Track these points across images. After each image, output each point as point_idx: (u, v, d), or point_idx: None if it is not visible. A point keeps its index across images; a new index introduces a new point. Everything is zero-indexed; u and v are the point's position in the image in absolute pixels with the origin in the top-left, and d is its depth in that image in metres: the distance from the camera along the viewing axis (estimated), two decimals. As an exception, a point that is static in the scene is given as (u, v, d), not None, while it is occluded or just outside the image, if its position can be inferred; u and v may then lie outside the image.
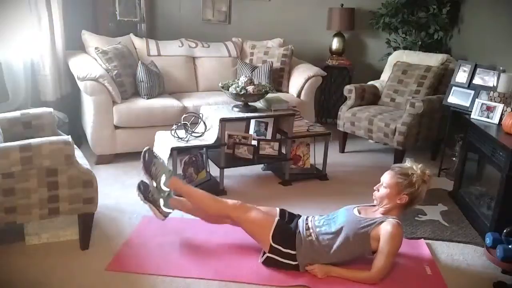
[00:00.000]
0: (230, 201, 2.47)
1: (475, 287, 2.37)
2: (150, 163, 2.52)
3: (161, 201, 2.52)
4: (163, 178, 2.50)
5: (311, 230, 2.38)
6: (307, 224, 2.42)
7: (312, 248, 2.32)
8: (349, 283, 2.25)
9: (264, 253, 2.34)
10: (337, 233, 2.32)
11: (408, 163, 2.40)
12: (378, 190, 2.40)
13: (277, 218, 2.39)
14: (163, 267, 2.33)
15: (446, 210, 3.13)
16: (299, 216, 2.51)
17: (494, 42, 3.76)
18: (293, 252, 2.31)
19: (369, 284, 2.25)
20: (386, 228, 2.25)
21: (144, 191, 2.53)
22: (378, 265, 2.25)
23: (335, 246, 2.30)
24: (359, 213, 2.41)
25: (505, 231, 2.43)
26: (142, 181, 2.57)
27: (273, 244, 2.30)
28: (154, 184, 2.52)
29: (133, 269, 2.30)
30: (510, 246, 2.33)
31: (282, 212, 2.52)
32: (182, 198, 2.57)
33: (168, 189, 2.52)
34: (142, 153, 2.54)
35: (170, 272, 2.29)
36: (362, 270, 2.29)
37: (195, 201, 2.50)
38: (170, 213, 2.57)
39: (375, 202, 2.43)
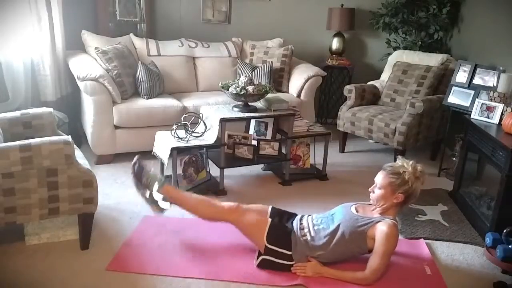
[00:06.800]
0: (225, 204, 2.47)
1: (475, 287, 2.37)
2: (140, 173, 2.51)
3: (156, 189, 2.49)
4: (155, 186, 2.49)
5: (305, 230, 2.38)
6: (301, 224, 2.42)
7: (308, 247, 2.32)
8: (348, 283, 2.25)
9: (259, 255, 2.34)
10: (335, 230, 2.32)
11: (399, 161, 2.39)
12: (374, 192, 2.40)
13: (270, 219, 2.38)
14: (163, 267, 2.33)
15: (446, 210, 3.13)
16: (294, 216, 2.51)
17: (494, 42, 3.75)
18: (288, 252, 2.31)
19: (365, 285, 2.25)
20: (381, 229, 2.24)
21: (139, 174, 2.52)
22: (372, 266, 2.24)
23: (332, 244, 2.30)
24: (357, 211, 2.41)
25: (505, 231, 2.43)
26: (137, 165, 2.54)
27: (268, 245, 2.31)
28: (147, 194, 2.50)
29: (133, 269, 2.30)
30: (510, 246, 2.33)
31: (273, 211, 2.51)
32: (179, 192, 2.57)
33: (161, 196, 2.50)
34: (132, 165, 2.51)
35: (170, 272, 2.29)
36: (357, 270, 2.28)
37: (189, 207, 2.50)
38: (166, 209, 2.54)
39: (372, 203, 2.43)
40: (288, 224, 2.43)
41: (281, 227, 2.38)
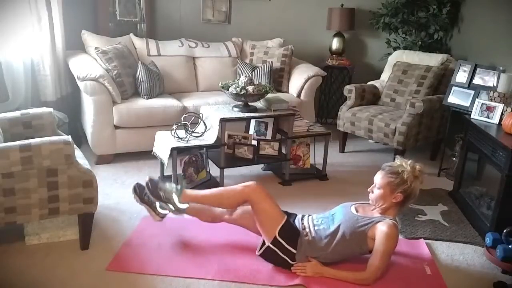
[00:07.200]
0: (243, 184, 2.41)
1: (475, 287, 2.37)
2: (156, 189, 2.44)
3: (157, 203, 2.52)
4: (175, 198, 2.44)
5: (307, 230, 2.38)
6: (302, 224, 2.43)
7: (310, 247, 2.33)
8: (348, 283, 2.25)
9: (263, 245, 2.35)
10: (335, 231, 2.32)
11: (397, 161, 2.39)
12: (373, 192, 2.40)
13: (286, 216, 2.38)
14: (163, 267, 2.33)
15: (446, 210, 3.13)
16: (295, 216, 2.51)
17: (494, 42, 3.76)
18: (293, 251, 2.31)
19: (365, 285, 2.25)
20: (381, 229, 2.24)
21: (140, 193, 2.53)
22: (372, 266, 2.24)
23: (332, 245, 2.30)
24: (357, 211, 2.41)
25: (505, 231, 2.43)
26: (137, 183, 2.56)
27: (278, 237, 2.30)
28: (172, 207, 2.44)
29: (133, 269, 2.30)
30: (510, 246, 2.33)
31: None
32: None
33: (186, 205, 2.47)
34: (145, 184, 2.45)
35: (170, 272, 2.29)
36: (357, 271, 2.28)
37: (214, 202, 2.47)
38: (166, 214, 2.56)
39: (371, 203, 2.43)
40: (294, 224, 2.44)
41: (293, 227, 2.39)
